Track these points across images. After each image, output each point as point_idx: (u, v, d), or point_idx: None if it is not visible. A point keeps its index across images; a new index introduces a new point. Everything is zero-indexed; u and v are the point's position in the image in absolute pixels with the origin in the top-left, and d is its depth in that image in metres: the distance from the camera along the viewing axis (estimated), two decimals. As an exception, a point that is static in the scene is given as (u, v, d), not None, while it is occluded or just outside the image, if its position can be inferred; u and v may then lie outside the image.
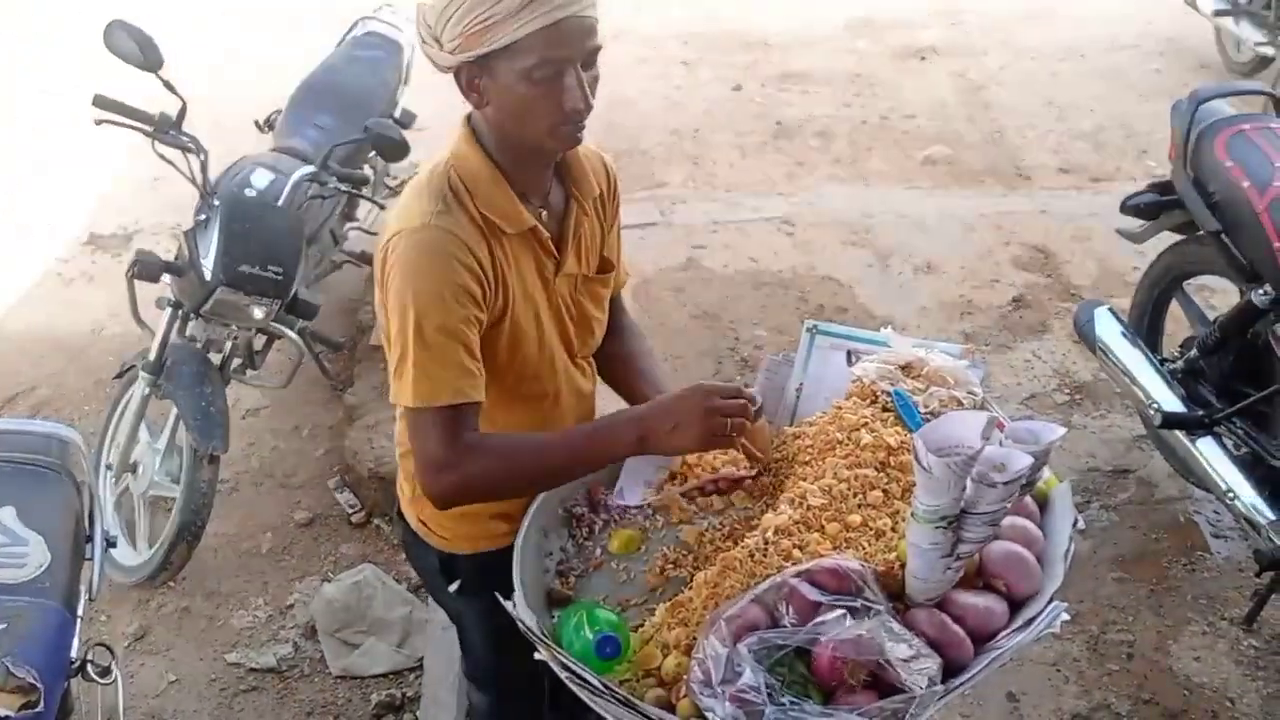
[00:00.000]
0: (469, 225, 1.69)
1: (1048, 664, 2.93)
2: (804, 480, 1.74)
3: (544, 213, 1.81)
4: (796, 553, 1.58)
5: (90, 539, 2.44)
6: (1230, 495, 2.90)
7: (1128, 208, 3.33)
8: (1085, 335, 3.36)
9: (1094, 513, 3.37)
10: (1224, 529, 3.31)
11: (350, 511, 3.58)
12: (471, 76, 1.65)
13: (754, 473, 1.87)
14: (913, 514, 1.41)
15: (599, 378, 2.05)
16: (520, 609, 1.62)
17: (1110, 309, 3.35)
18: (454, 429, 1.66)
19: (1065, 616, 1.49)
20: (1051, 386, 3.87)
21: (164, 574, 3.24)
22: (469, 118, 1.77)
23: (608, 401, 2.01)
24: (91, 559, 2.42)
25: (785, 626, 1.44)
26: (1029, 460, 1.36)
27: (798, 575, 1.47)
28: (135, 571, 3.28)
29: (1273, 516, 2.82)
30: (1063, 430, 1.44)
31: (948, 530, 1.39)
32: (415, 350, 1.64)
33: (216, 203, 3.23)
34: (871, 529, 1.62)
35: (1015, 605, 1.55)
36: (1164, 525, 3.34)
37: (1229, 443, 3.01)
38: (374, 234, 4.29)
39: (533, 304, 1.80)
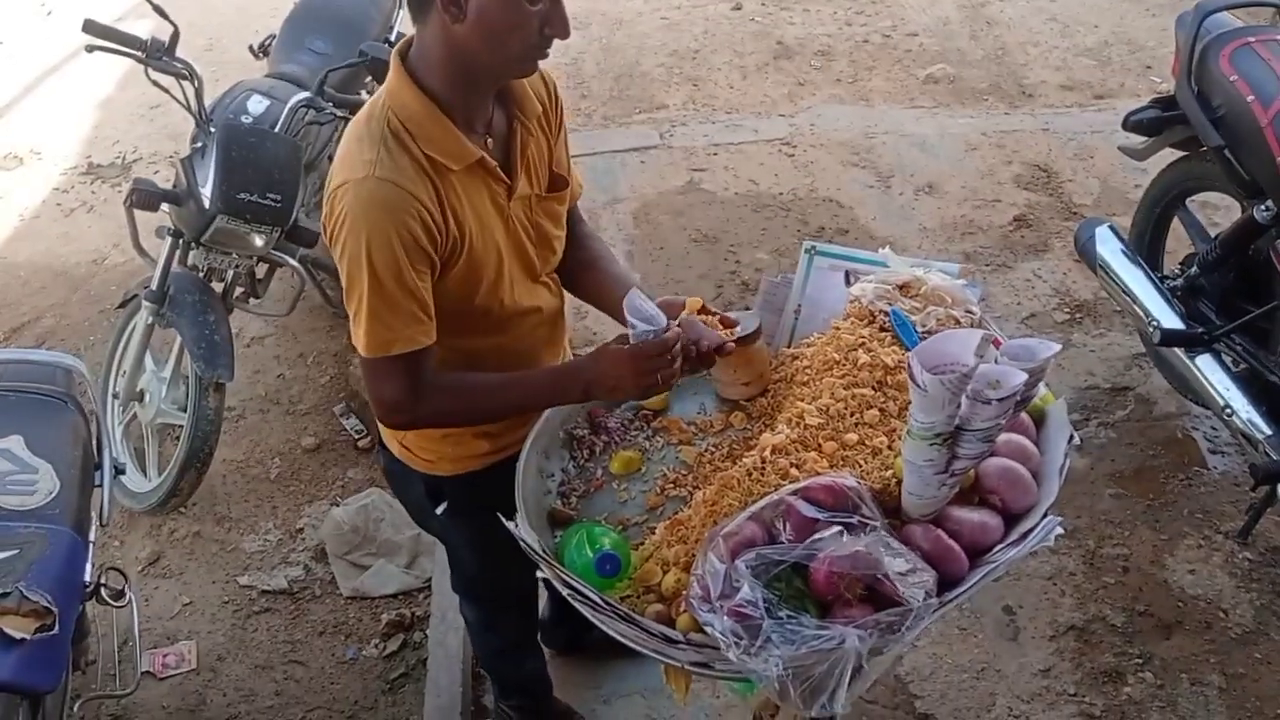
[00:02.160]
0: (412, 170, 1.68)
1: (1044, 578, 2.98)
2: (801, 400, 1.76)
3: (489, 140, 1.79)
4: (794, 471, 1.60)
5: (99, 466, 2.48)
6: (1228, 411, 2.92)
7: (1130, 124, 3.29)
8: (1086, 254, 3.35)
9: (1092, 430, 3.39)
10: (1221, 445, 3.34)
11: (356, 437, 3.61)
12: None
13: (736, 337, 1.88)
14: (908, 431, 1.43)
15: (568, 290, 2.06)
16: (523, 529, 1.65)
17: (1111, 227, 3.33)
18: (408, 375, 1.74)
19: (1059, 531, 1.52)
20: (1051, 305, 3.87)
21: (174, 500, 3.28)
22: (403, 54, 1.74)
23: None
24: (101, 486, 2.46)
25: (783, 543, 1.47)
26: (1023, 377, 1.38)
27: (795, 493, 1.50)
28: (146, 498, 3.32)
29: (1269, 432, 2.84)
30: (1057, 347, 1.45)
31: (943, 447, 1.41)
32: (370, 300, 1.67)
33: (213, 130, 3.21)
34: (868, 447, 1.65)
35: (1010, 520, 1.58)
36: (1161, 442, 3.37)
37: (1228, 359, 3.02)
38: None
39: (490, 233, 1.79)
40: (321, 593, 3.17)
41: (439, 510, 2.08)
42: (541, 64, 1.75)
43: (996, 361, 1.41)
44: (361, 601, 3.14)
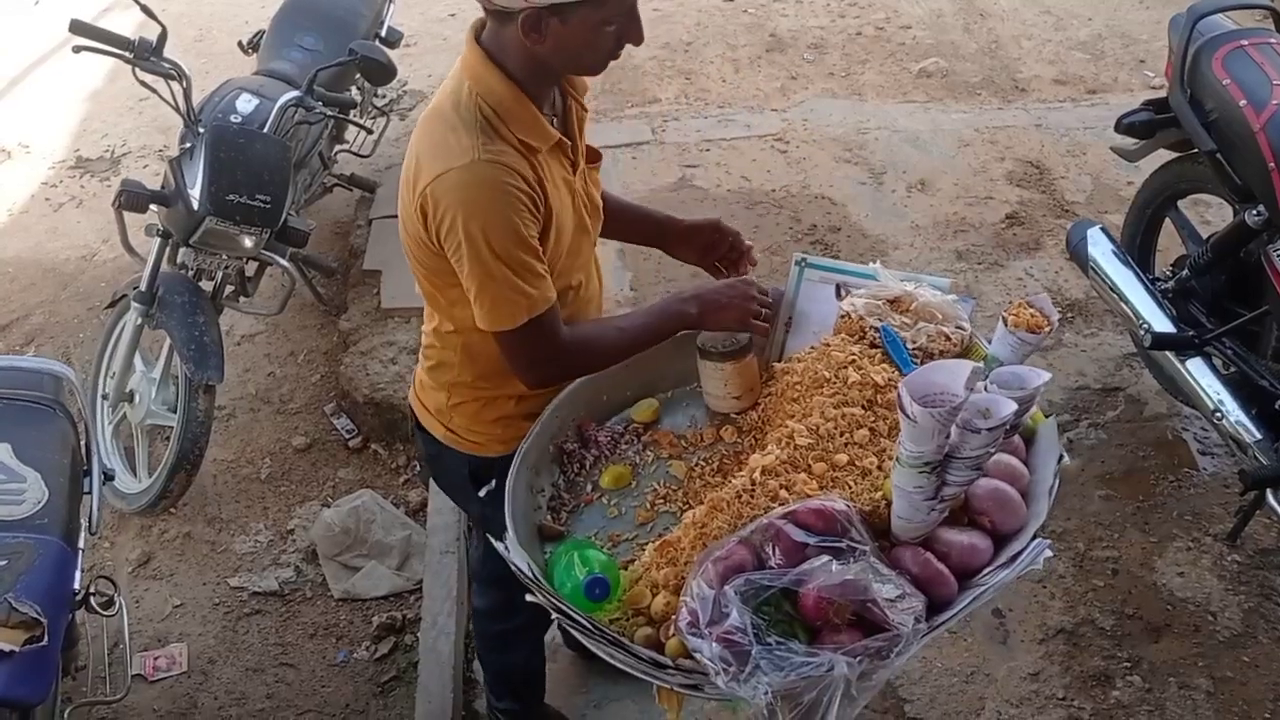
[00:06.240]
0: (512, 151, 1.76)
1: (1033, 581, 2.98)
2: (791, 418, 1.76)
3: (553, 120, 1.88)
4: (783, 493, 1.60)
5: (88, 473, 2.47)
6: (1218, 415, 2.92)
7: (1123, 126, 3.28)
8: (1077, 255, 3.35)
9: (1082, 430, 3.40)
10: (1211, 446, 3.34)
11: (347, 437, 3.60)
12: (541, 20, 1.67)
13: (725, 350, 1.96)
14: (897, 459, 1.43)
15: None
16: (513, 549, 1.64)
17: (1102, 229, 3.32)
18: (546, 334, 1.83)
19: (1048, 554, 1.52)
20: (1043, 304, 3.86)
21: (164, 502, 3.27)
22: (478, 38, 1.80)
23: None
24: (90, 493, 2.45)
25: (772, 568, 1.46)
26: (1013, 406, 1.37)
27: (784, 517, 1.50)
28: (136, 499, 3.31)
29: (1259, 436, 2.84)
30: (1047, 376, 1.45)
31: (932, 475, 1.41)
32: (496, 276, 1.74)
33: (201, 131, 3.19)
34: (858, 468, 1.64)
35: (999, 540, 1.59)
36: (1152, 442, 3.37)
37: (1218, 362, 3.02)
38: (364, 156, 4.24)
39: (565, 207, 1.88)
40: (312, 594, 3.18)
41: (482, 493, 2.11)
42: None
43: (986, 389, 1.41)
44: (352, 603, 3.14)
